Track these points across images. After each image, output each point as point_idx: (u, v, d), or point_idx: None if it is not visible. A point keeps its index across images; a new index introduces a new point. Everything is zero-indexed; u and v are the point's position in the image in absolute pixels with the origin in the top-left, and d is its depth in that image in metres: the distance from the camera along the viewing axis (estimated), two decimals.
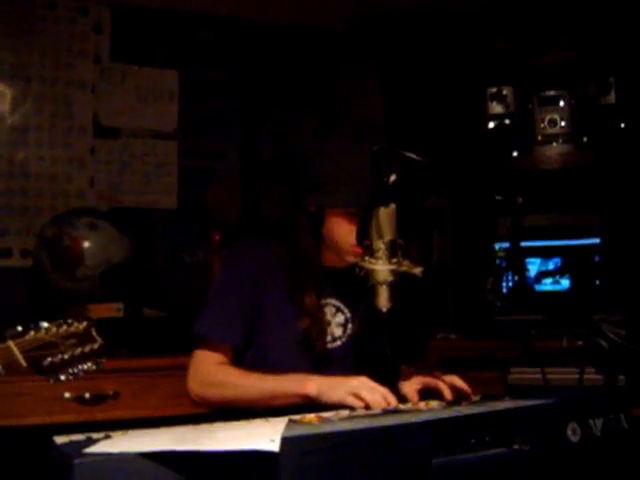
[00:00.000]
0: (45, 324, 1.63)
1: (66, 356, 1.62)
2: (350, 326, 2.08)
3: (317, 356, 1.99)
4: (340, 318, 2.08)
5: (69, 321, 1.66)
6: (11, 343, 1.57)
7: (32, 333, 1.61)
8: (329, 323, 2.06)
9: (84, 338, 1.66)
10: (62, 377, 1.62)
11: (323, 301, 2.05)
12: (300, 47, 4.30)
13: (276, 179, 4.05)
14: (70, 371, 1.63)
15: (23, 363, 1.58)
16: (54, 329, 1.63)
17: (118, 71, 3.94)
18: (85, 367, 1.65)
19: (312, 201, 2.01)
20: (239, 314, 2.02)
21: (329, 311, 2.06)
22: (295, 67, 4.29)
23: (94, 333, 1.68)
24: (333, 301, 2.08)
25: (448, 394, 1.89)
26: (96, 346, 1.66)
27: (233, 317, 2.01)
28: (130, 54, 3.97)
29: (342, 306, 2.08)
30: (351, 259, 1.92)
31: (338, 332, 2.07)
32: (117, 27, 3.93)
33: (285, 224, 2.10)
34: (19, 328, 1.61)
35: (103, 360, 1.68)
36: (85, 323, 1.67)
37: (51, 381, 1.62)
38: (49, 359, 1.60)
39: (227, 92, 4.15)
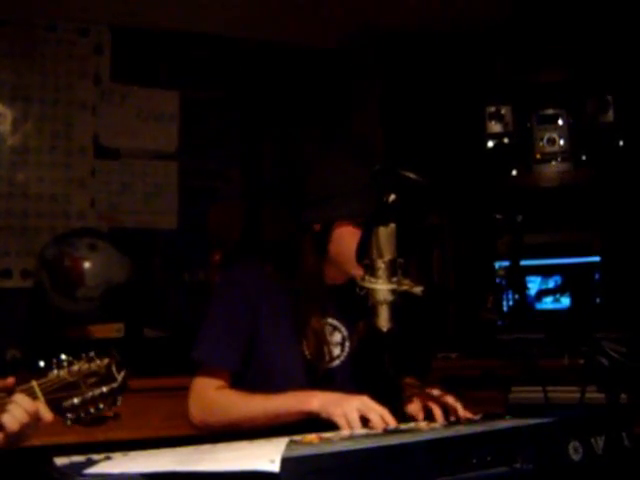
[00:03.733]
0: (67, 359, 1.61)
1: (86, 396, 1.61)
2: (348, 344, 2.07)
3: (318, 376, 1.99)
4: (337, 337, 2.07)
5: (91, 355, 1.64)
6: (34, 384, 1.56)
7: (55, 372, 1.59)
8: (329, 343, 2.05)
9: (105, 377, 1.64)
10: (81, 416, 1.61)
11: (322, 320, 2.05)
12: (300, 67, 4.32)
13: (278, 199, 4.06)
14: (87, 411, 1.61)
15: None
16: (76, 367, 1.61)
17: (118, 92, 3.96)
18: (102, 406, 1.62)
19: (319, 216, 2.01)
20: (236, 337, 2.01)
21: (327, 330, 2.06)
22: (295, 87, 4.30)
23: (114, 371, 1.65)
24: (330, 320, 2.07)
25: (439, 417, 1.88)
26: (115, 385, 1.64)
27: (230, 341, 2.01)
28: (130, 75, 3.99)
29: (339, 324, 2.08)
30: (359, 273, 1.91)
31: (336, 351, 2.06)
32: (117, 48, 3.95)
33: (289, 245, 2.10)
34: (41, 364, 1.59)
35: (120, 399, 1.65)
36: (107, 360, 1.65)
37: (68, 423, 1.60)
38: (70, 401, 1.59)
39: (227, 112, 4.17)
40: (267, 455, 1.20)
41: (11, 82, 3.75)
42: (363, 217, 1.93)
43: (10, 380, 1.57)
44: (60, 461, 1.35)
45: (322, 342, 2.01)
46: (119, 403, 1.65)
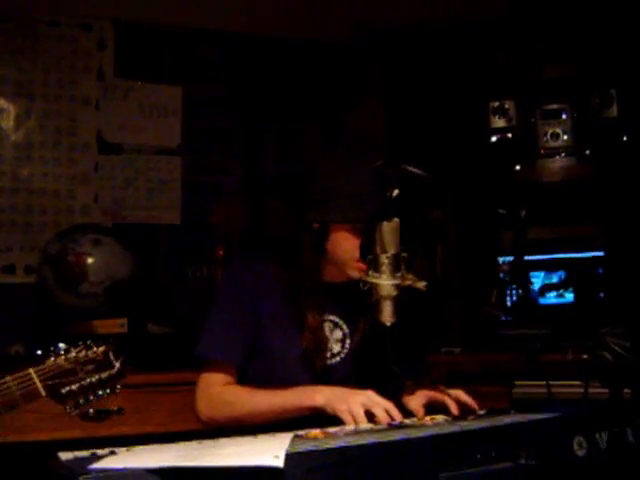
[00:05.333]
0: (64, 346, 1.62)
1: (84, 383, 1.62)
2: (348, 341, 2.07)
3: (317, 372, 1.99)
4: (338, 334, 2.07)
5: (88, 343, 1.65)
6: (32, 371, 1.57)
7: (52, 359, 1.60)
8: (327, 339, 2.05)
9: (102, 364, 1.65)
10: (80, 403, 1.62)
11: (322, 317, 2.05)
12: (302, 62, 4.31)
13: (280, 195, 4.06)
14: (87, 398, 1.62)
15: (42, 393, 1.59)
16: (73, 354, 1.62)
17: (122, 87, 3.95)
18: (101, 393, 1.64)
19: (316, 217, 2.01)
20: (240, 333, 2.02)
21: (327, 327, 2.06)
22: (297, 83, 4.30)
23: (112, 358, 1.66)
24: (331, 317, 2.07)
25: (454, 408, 1.89)
26: (114, 372, 1.65)
27: (234, 336, 2.01)
28: (133, 70, 3.98)
29: (340, 322, 2.08)
30: (355, 274, 1.91)
31: (337, 348, 2.06)
32: (120, 43, 3.95)
33: (288, 241, 2.10)
34: (39, 352, 1.60)
35: (119, 386, 1.67)
36: (103, 347, 1.66)
37: (67, 409, 1.62)
38: (67, 387, 1.60)
39: (230, 108, 4.17)
40: (271, 450, 1.20)
41: (14, 78, 3.75)
42: (360, 222, 1.92)
43: None
44: (65, 456, 1.36)
45: (320, 337, 2.01)
46: (118, 390, 1.67)
